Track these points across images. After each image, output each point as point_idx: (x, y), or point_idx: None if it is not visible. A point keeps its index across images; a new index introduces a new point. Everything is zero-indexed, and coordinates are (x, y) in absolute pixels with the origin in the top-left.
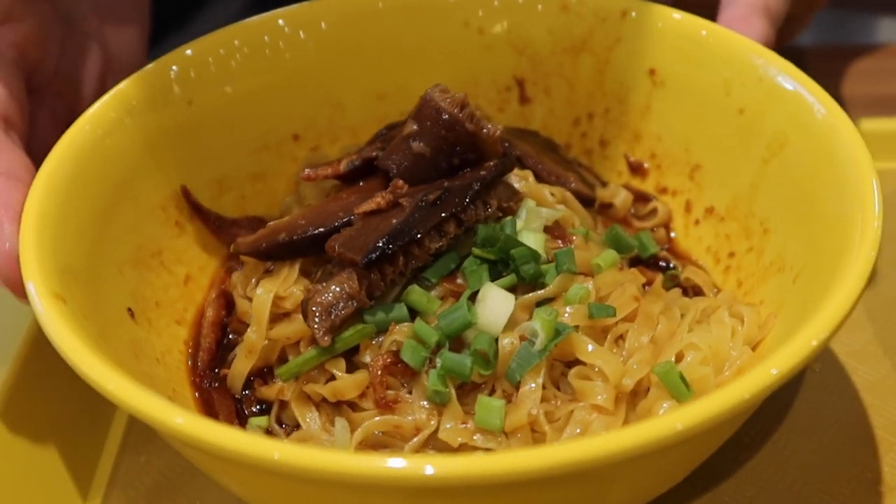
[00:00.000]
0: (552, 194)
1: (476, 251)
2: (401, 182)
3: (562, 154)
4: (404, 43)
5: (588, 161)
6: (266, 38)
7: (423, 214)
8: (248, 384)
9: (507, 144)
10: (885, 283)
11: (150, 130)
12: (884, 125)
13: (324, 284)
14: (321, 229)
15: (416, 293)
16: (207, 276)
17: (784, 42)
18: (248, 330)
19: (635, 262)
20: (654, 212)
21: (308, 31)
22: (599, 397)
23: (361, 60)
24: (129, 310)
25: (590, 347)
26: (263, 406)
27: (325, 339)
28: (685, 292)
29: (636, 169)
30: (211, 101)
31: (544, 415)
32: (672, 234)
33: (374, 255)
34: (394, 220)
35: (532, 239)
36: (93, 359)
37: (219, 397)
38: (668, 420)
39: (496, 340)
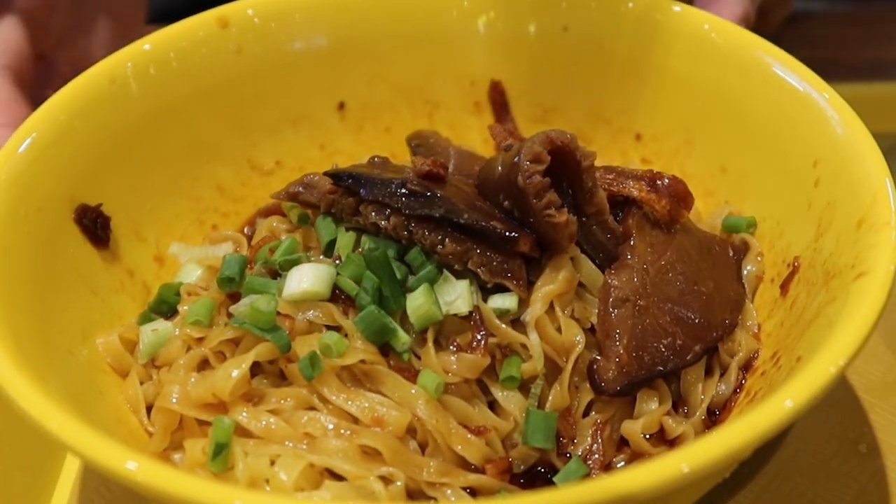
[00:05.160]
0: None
1: (364, 254)
2: (433, 160)
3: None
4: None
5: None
6: None
7: (390, 189)
8: None
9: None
10: None
11: None
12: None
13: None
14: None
15: (342, 232)
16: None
17: (767, 31)
18: None
19: None
20: None
21: None
22: None
23: None
24: (342, 103)
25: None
26: None
27: (281, 195)
28: None
29: None
30: None
31: None
32: None
33: (334, 173)
34: (377, 172)
35: (417, 297)
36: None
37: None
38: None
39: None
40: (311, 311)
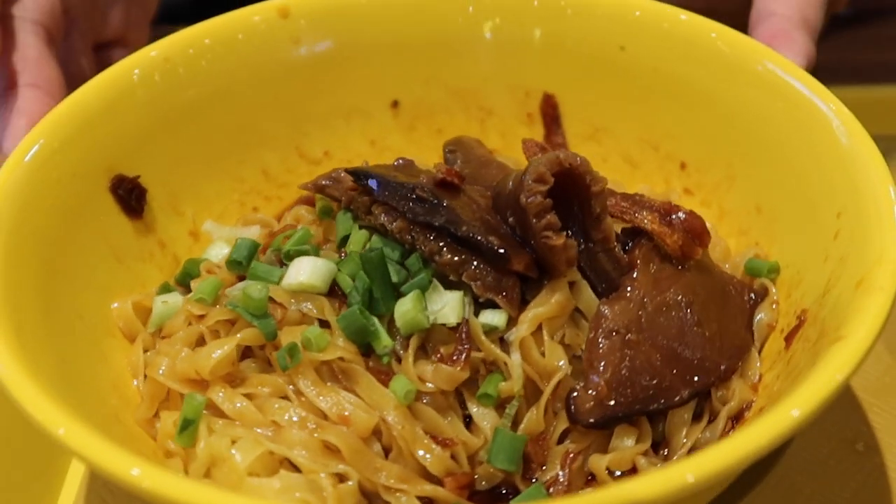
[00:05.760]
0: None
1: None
2: (447, 168)
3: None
4: None
5: None
6: None
7: (400, 192)
8: None
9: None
10: None
11: None
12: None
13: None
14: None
15: (355, 230)
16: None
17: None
18: None
19: None
20: None
21: None
22: None
23: None
24: (395, 101)
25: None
26: None
27: (309, 186)
28: None
29: None
30: None
31: None
32: None
33: (354, 171)
34: (395, 174)
35: (405, 303)
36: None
37: None
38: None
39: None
40: (305, 304)
